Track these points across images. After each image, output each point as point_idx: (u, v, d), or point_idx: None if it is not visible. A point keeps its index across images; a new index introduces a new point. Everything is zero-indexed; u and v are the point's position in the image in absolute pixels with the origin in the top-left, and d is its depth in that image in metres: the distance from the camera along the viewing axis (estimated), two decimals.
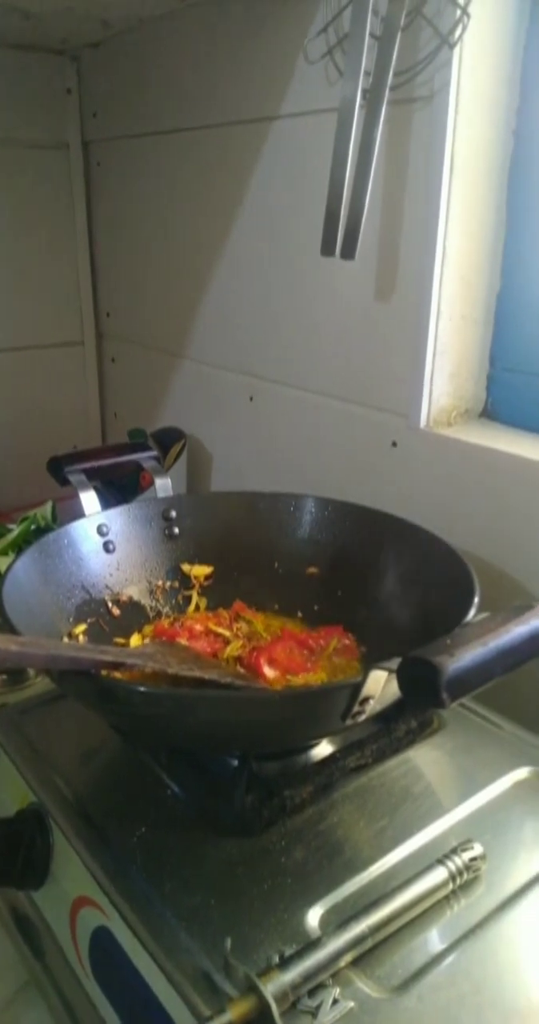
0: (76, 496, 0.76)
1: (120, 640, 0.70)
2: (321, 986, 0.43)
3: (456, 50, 0.69)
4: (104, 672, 0.52)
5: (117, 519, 0.76)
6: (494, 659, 0.41)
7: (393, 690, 0.48)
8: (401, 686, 0.42)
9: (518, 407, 0.83)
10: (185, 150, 1.06)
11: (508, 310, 0.82)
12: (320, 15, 0.80)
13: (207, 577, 0.78)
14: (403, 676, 0.42)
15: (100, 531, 0.74)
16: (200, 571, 0.77)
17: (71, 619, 0.68)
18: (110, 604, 0.72)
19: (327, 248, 0.76)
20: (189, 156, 1.06)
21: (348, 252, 0.74)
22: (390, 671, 0.44)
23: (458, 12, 0.67)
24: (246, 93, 0.93)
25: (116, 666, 0.53)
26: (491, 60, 0.73)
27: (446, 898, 0.49)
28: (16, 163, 1.21)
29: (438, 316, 0.78)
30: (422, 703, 0.58)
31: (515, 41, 0.74)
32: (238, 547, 0.78)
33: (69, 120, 1.23)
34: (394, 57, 0.69)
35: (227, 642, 0.69)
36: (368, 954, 0.45)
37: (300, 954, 0.43)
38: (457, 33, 0.68)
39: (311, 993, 0.42)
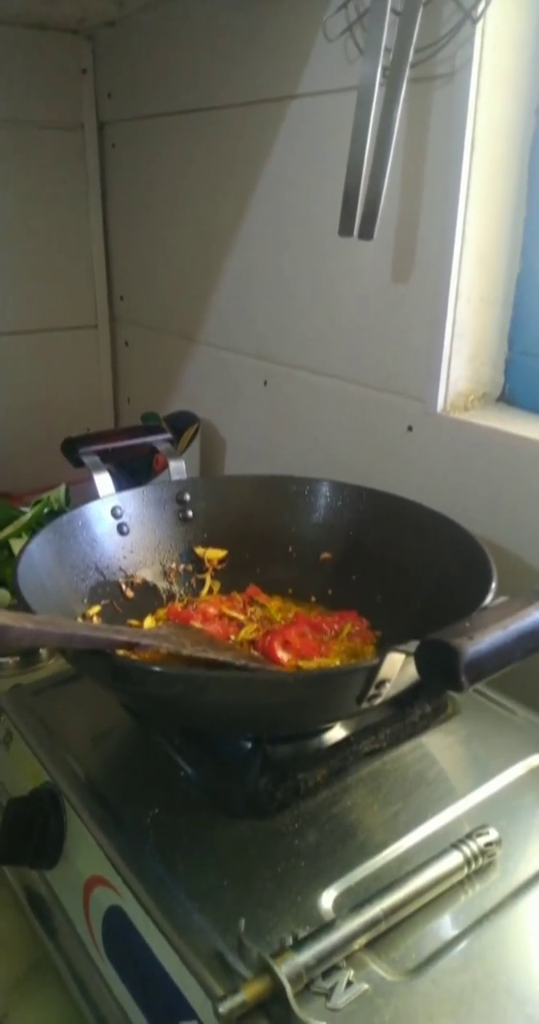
0: (89, 480, 0.76)
1: (134, 622, 0.70)
2: (335, 968, 0.43)
3: (478, 26, 0.68)
4: (119, 652, 0.52)
5: (131, 501, 0.75)
6: (514, 643, 0.41)
7: (408, 674, 0.47)
8: (419, 669, 0.42)
9: (537, 391, 0.82)
10: (201, 131, 1.05)
11: (528, 292, 0.81)
12: None
13: (221, 561, 0.77)
14: (421, 659, 0.41)
15: (114, 513, 0.74)
16: (214, 554, 0.77)
17: (85, 600, 0.68)
18: (124, 586, 0.72)
19: (345, 228, 0.75)
20: (205, 137, 1.05)
21: (366, 232, 0.74)
22: (408, 654, 0.44)
23: None
24: (264, 72, 0.92)
25: (131, 646, 0.53)
26: (514, 36, 0.71)
27: (461, 883, 0.48)
28: (31, 144, 1.20)
29: (457, 298, 0.77)
30: (440, 686, 0.57)
31: None
32: (252, 531, 0.78)
33: (84, 100, 1.22)
34: (415, 33, 0.68)
35: (241, 626, 0.69)
36: (382, 937, 0.45)
37: (314, 936, 0.43)
38: (480, 8, 0.67)
39: (325, 975, 0.42)
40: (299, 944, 0.42)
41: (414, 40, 0.68)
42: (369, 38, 0.71)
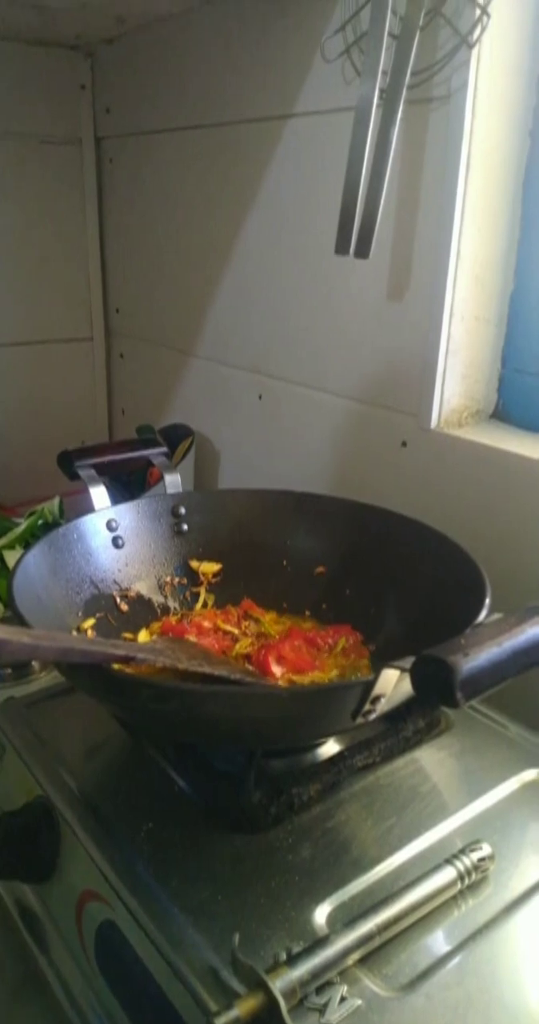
0: (84, 491, 0.76)
1: (128, 635, 0.70)
2: (329, 983, 0.43)
3: (474, 50, 0.69)
4: (115, 666, 0.52)
5: (126, 514, 0.76)
6: (509, 659, 0.41)
7: (402, 690, 0.48)
8: (414, 685, 0.42)
9: (529, 409, 0.82)
10: (198, 147, 1.06)
11: (521, 311, 0.82)
12: (338, 13, 0.79)
13: (215, 574, 0.77)
14: (417, 675, 0.42)
15: (109, 526, 0.74)
16: (208, 568, 0.77)
17: (80, 613, 0.68)
18: (118, 599, 0.72)
19: (341, 247, 0.76)
20: (202, 153, 1.06)
21: (362, 251, 0.74)
22: (403, 670, 0.44)
23: (478, 12, 0.67)
24: (261, 91, 0.93)
25: (127, 660, 0.53)
26: (510, 60, 0.72)
27: (454, 898, 0.49)
28: (29, 157, 1.21)
29: (451, 316, 0.78)
30: (435, 702, 0.57)
31: (534, 41, 0.74)
32: (247, 545, 0.78)
33: (82, 116, 1.24)
34: (412, 57, 0.69)
35: (235, 640, 0.69)
36: (376, 952, 0.45)
37: (308, 951, 0.43)
38: (476, 33, 0.68)
39: (319, 990, 0.42)
40: (293, 959, 0.42)
41: (411, 63, 0.69)
42: (367, 60, 0.72)
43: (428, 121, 0.76)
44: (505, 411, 0.85)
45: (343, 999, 0.42)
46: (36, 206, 1.24)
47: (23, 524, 1.01)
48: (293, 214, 0.94)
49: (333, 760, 0.58)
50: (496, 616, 0.49)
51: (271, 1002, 0.40)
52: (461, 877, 0.48)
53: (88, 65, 1.22)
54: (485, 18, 0.67)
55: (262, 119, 0.94)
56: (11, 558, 0.95)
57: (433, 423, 0.82)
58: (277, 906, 0.48)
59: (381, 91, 0.72)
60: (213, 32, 0.98)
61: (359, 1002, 0.42)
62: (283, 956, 0.43)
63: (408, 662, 0.43)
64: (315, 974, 0.42)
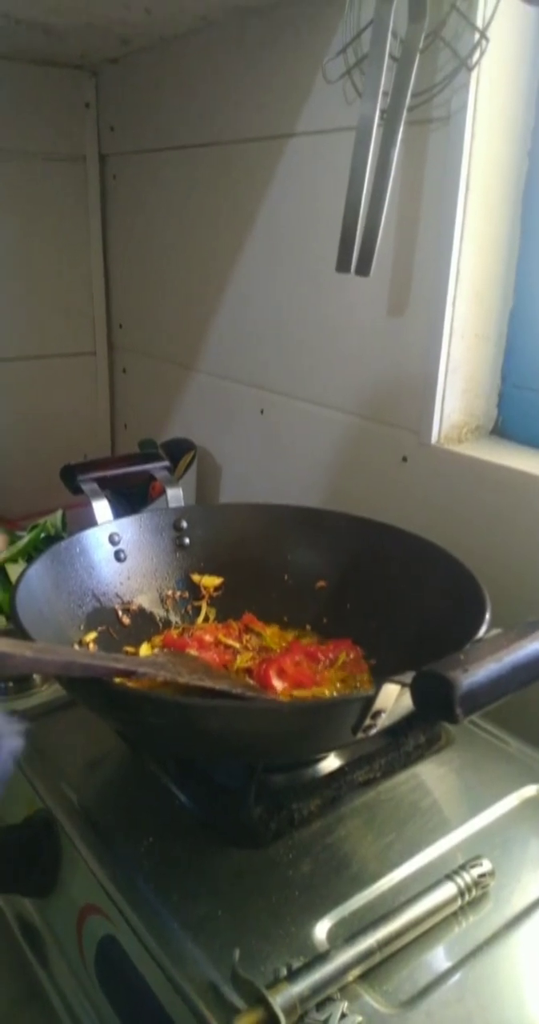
0: (86, 505, 0.77)
1: (130, 649, 0.71)
2: (329, 1000, 0.43)
3: (474, 73, 0.70)
4: (116, 680, 0.52)
5: (129, 528, 0.76)
6: (508, 675, 0.41)
7: (403, 705, 0.48)
8: (415, 700, 0.42)
9: (529, 425, 0.83)
10: (201, 165, 1.07)
11: (520, 328, 0.82)
12: (339, 36, 0.81)
13: (217, 588, 0.78)
14: (417, 690, 0.42)
15: (112, 540, 0.74)
16: (210, 582, 0.78)
17: (82, 627, 0.68)
18: (120, 613, 0.72)
19: (342, 265, 0.76)
20: (204, 170, 1.07)
21: (363, 269, 0.75)
22: (403, 685, 0.44)
23: (477, 36, 0.68)
24: (263, 111, 0.95)
25: (128, 674, 0.53)
26: (508, 82, 0.73)
27: (454, 914, 0.49)
28: (33, 175, 1.22)
29: (451, 333, 0.79)
30: (435, 718, 0.58)
31: (532, 64, 0.75)
32: (248, 559, 0.78)
33: (87, 133, 1.25)
34: (412, 79, 0.70)
35: (237, 653, 0.69)
36: (376, 968, 0.45)
37: (308, 967, 0.43)
38: (475, 56, 0.69)
39: (319, 1007, 0.42)
40: (293, 975, 0.43)
41: (411, 85, 0.70)
42: (368, 82, 0.73)
43: (428, 141, 0.77)
44: (505, 427, 0.86)
45: (343, 1015, 0.42)
46: (41, 221, 1.25)
47: (26, 537, 1.01)
48: (294, 231, 0.95)
49: (334, 775, 0.58)
50: (496, 631, 0.49)
51: (271, 1018, 0.40)
52: (461, 893, 0.49)
53: (93, 84, 1.23)
54: (484, 42, 0.68)
55: (264, 138, 0.95)
56: (14, 571, 0.95)
57: (433, 438, 0.82)
58: (278, 921, 0.48)
59: (382, 112, 0.72)
60: (215, 53, 1.00)
61: (359, 1019, 0.42)
62: (283, 972, 0.43)
63: (408, 677, 0.43)
64: (316, 990, 0.42)
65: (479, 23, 0.68)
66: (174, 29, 1.01)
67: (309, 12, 0.85)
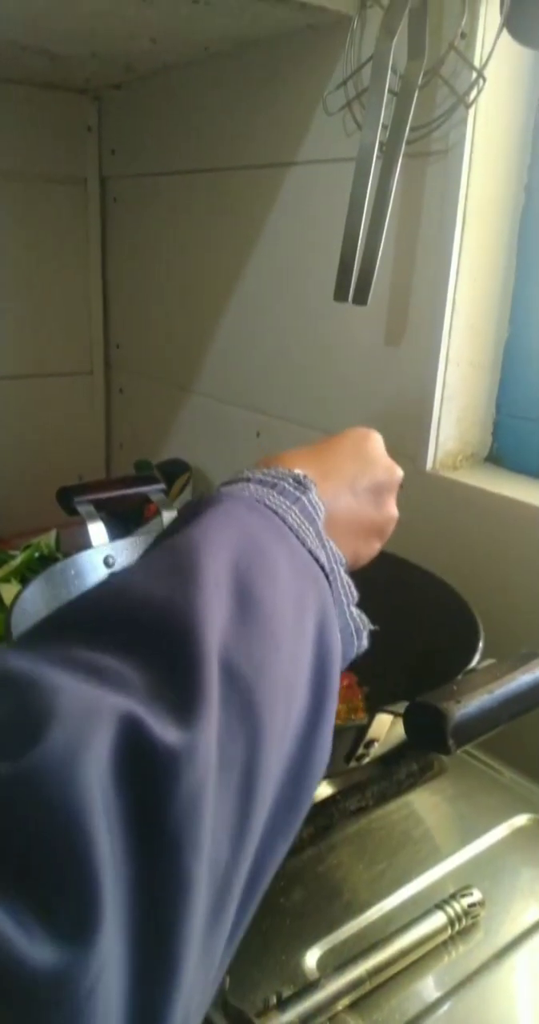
0: (81, 525, 0.77)
1: None
2: None
3: (471, 109, 0.72)
4: None
5: (124, 551, 0.76)
6: (500, 707, 0.42)
7: (396, 734, 0.48)
8: (407, 731, 0.42)
9: (523, 453, 0.84)
10: (201, 190, 1.09)
11: (515, 357, 0.83)
12: (339, 69, 0.82)
13: None
14: (409, 721, 0.42)
15: (107, 562, 0.75)
16: None
17: None
18: None
19: (340, 293, 0.77)
20: (204, 196, 1.08)
21: (361, 298, 0.76)
22: (396, 715, 0.45)
23: (474, 74, 0.70)
24: (264, 139, 0.96)
25: None
26: (505, 119, 0.75)
27: (444, 944, 0.49)
28: (36, 196, 1.24)
29: (447, 362, 0.80)
30: (428, 748, 0.58)
31: (528, 101, 0.76)
32: None
33: (88, 156, 1.26)
34: (411, 113, 0.71)
35: None
36: (366, 998, 0.45)
37: (298, 995, 0.43)
38: (473, 94, 0.70)
39: None
40: (283, 1004, 0.42)
41: (410, 119, 0.72)
42: (367, 114, 0.74)
43: (426, 174, 0.78)
44: (499, 455, 0.86)
45: None
46: (41, 241, 1.26)
47: (19, 557, 1.01)
48: (293, 258, 0.96)
49: (326, 803, 0.58)
50: (488, 662, 0.49)
51: None
52: (451, 923, 0.49)
53: (95, 108, 1.25)
54: (481, 80, 0.70)
55: (264, 166, 0.97)
56: (6, 591, 0.95)
57: (428, 465, 0.83)
58: (268, 949, 0.48)
59: (381, 144, 0.74)
60: (217, 82, 1.01)
61: None
62: (273, 1000, 0.43)
63: (401, 707, 0.43)
64: (305, 1019, 0.42)
65: (477, 62, 0.70)
66: (178, 58, 1.03)
67: (310, 46, 0.86)
